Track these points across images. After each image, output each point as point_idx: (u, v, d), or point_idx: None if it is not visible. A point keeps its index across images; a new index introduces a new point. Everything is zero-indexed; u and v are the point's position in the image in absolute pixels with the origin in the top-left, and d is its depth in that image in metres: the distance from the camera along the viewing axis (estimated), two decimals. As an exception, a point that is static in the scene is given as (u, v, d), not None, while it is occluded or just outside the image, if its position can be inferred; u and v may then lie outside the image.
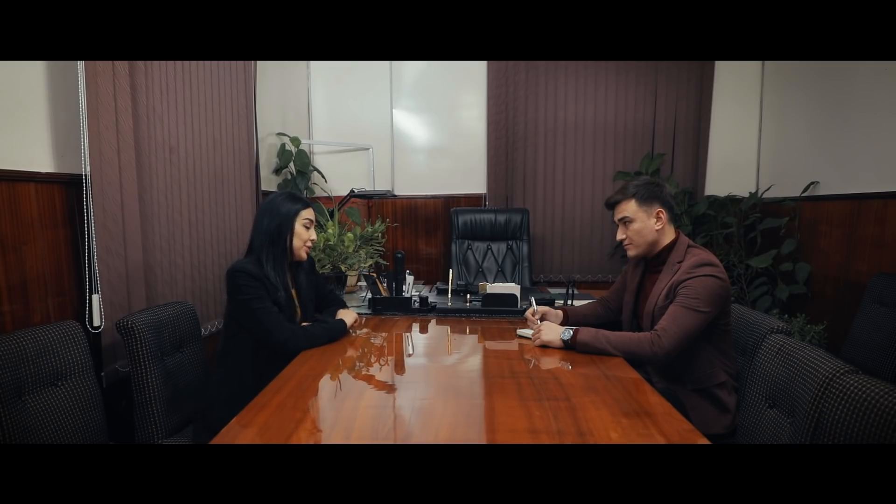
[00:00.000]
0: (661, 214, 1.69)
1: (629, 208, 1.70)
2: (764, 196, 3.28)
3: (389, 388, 1.39)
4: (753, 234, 3.25)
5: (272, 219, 1.71)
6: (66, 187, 1.75)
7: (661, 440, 1.05)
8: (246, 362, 1.65)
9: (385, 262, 2.71)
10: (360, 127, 3.66)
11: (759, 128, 3.52)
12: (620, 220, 1.73)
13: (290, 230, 1.72)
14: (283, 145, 3.26)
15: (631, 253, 1.76)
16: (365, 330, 1.94)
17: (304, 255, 1.78)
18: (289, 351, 1.61)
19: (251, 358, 1.65)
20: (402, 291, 2.18)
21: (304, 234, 1.75)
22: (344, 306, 1.99)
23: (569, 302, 2.21)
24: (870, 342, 2.28)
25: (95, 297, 1.79)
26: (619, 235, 1.76)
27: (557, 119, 3.56)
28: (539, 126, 3.56)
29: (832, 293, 2.82)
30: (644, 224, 1.70)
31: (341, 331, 1.79)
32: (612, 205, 1.76)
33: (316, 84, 3.66)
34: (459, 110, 3.66)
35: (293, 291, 1.80)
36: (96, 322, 1.79)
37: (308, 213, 1.77)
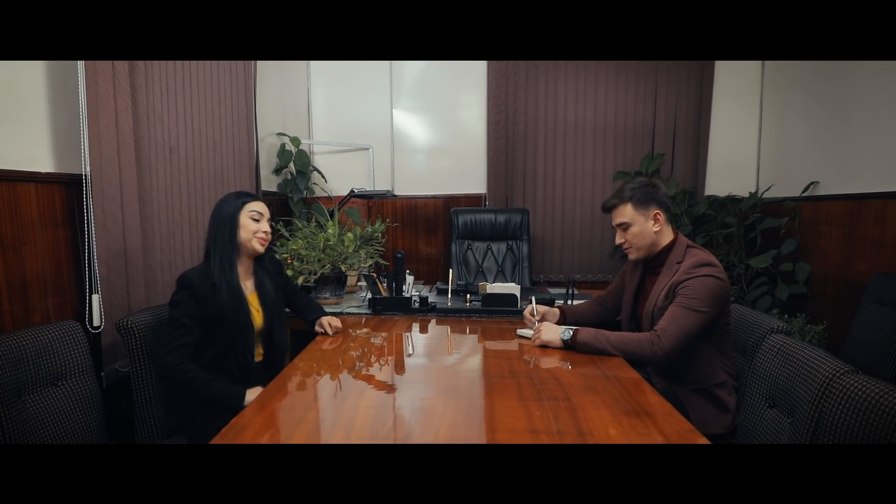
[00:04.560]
0: (658, 216, 1.69)
1: (626, 213, 1.70)
2: (764, 196, 3.28)
3: (389, 388, 1.39)
4: (753, 234, 3.25)
5: (218, 219, 1.67)
6: (66, 187, 1.75)
7: (660, 440, 1.05)
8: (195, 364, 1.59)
9: (385, 262, 2.71)
10: (360, 127, 3.66)
11: (759, 128, 3.52)
12: (618, 224, 1.73)
13: (236, 224, 1.66)
14: (283, 145, 3.26)
15: (632, 256, 1.76)
16: (365, 330, 1.94)
17: (257, 247, 1.68)
18: (159, 370, 1.55)
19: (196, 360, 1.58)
20: (402, 291, 2.18)
21: (251, 226, 1.67)
22: (324, 313, 1.95)
23: (568, 302, 2.21)
24: (870, 342, 2.28)
25: (95, 297, 1.79)
26: (618, 240, 1.75)
27: (557, 119, 3.56)
28: (539, 126, 3.56)
29: (832, 293, 2.82)
30: (642, 227, 1.69)
31: (230, 398, 1.51)
32: (608, 209, 1.75)
33: (316, 84, 3.66)
34: (459, 110, 3.66)
35: (255, 294, 1.72)
36: (96, 322, 1.79)
37: (255, 206, 1.70)
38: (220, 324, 1.58)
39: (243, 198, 1.70)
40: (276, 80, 3.26)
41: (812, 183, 2.96)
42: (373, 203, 3.66)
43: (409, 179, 3.69)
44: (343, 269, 2.52)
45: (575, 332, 1.63)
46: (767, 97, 3.47)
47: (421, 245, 3.72)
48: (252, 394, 1.52)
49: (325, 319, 1.90)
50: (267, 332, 1.72)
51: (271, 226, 1.75)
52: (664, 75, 3.48)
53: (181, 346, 1.52)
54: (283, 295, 1.86)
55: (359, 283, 2.67)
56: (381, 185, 3.64)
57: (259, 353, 1.72)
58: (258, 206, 1.70)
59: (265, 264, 1.79)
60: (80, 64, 1.70)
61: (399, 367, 1.56)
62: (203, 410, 1.54)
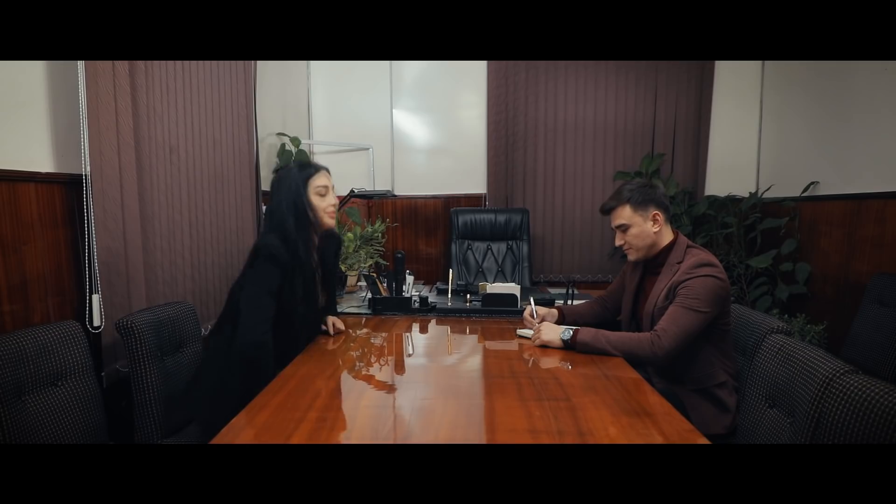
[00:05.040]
0: (657, 217, 1.69)
1: (624, 214, 1.70)
2: (764, 196, 3.28)
3: (389, 388, 1.39)
4: (753, 234, 3.25)
5: (286, 194, 1.64)
6: (66, 187, 1.75)
7: (660, 440, 1.05)
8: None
9: (385, 262, 2.71)
10: (360, 127, 3.66)
11: (759, 128, 3.52)
12: (617, 226, 1.73)
13: (306, 203, 1.64)
14: (283, 145, 3.26)
15: (632, 257, 1.76)
16: (365, 330, 1.94)
17: (328, 222, 1.69)
18: (246, 351, 1.47)
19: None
20: (402, 291, 2.18)
21: (319, 203, 1.66)
22: (335, 312, 1.95)
23: (568, 302, 2.21)
24: (870, 342, 2.28)
25: (95, 297, 1.78)
26: (618, 241, 1.75)
27: (557, 119, 3.56)
28: (539, 126, 3.56)
29: (832, 293, 2.82)
30: (641, 228, 1.69)
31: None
32: (606, 211, 1.75)
33: (316, 84, 3.66)
34: (459, 110, 3.66)
35: (318, 271, 1.72)
36: (96, 322, 1.79)
37: (319, 180, 1.67)
38: (292, 302, 1.56)
39: (306, 171, 1.66)
40: (276, 80, 3.26)
41: (812, 183, 2.96)
42: (373, 203, 3.66)
43: (409, 179, 3.69)
44: (343, 269, 2.53)
45: (575, 332, 1.63)
46: (767, 97, 3.47)
47: (421, 245, 3.72)
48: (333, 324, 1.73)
49: (330, 319, 1.89)
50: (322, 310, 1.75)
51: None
52: (664, 75, 3.48)
53: (268, 320, 1.50)
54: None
55: (359, 283, 2.67)
56: (381, 185, 3.64)
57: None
58: (323, 180, 1.66)
59: (329, 239, 1.77)
60: (80, 64, 1.70)
61: (399, 367, 1.56)
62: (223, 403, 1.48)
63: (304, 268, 1.62)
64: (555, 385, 1.34)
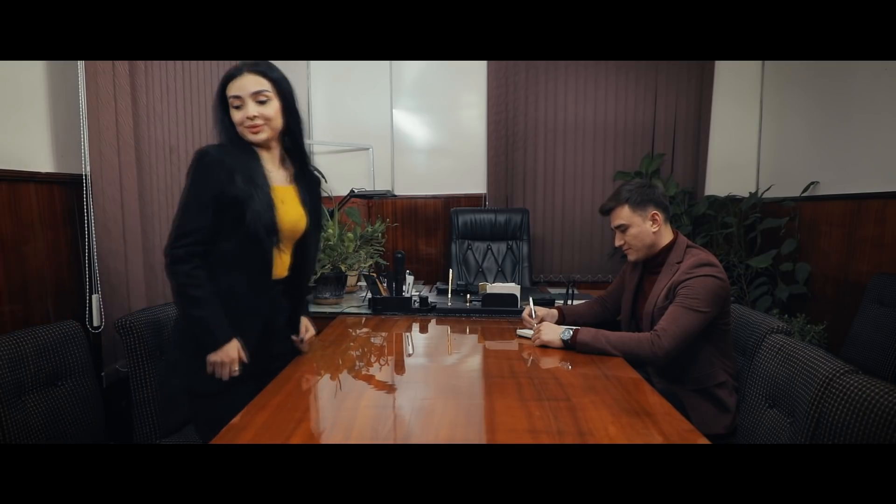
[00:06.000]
0: (656, 217, 1.69)
1: (623, 215, 1.70)
2: (764, 196, 3.28)
3: (389, 388, 1.39)
4: (753, 234, 3.25)
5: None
6: (66, 187, 1.75)
7: (660, 440, 1.05)
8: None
9: (385, 262, 2.71)
10: (360, 127, 3.65)
11: (759, 128, 3.52)
12: (617, 226, 1.73)
13: (225, 108, 1.37)
14: (283, 145, 3.26)
15: (631, 257, 1.76)
16: (365, 330, 1.94)
17: (250, 138, 1.36)
18: (167, 265, 1.29)
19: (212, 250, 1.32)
20: (402, 291, 2.18)
21: (235, 117, 1.35)
22: (307, 314, 1.65)
23: (568, 302, 2.21)
24: (870, 342, 2.28)
25: (95, 297, 1.79)
26: (618, 242, 1.75)
27: (557, 119, 3.55)
28: (539, 126, 3.56)
29: (832, 293, 2.82)
30: (640, 228, 1.69)
31: (210, 334, 1.30)
32: (606, 212, 1.76)
33: (316, 84, 3.66)
34: (459, 110, 3.66)
35: (290, 188, 1.45)
36: (96, 322, 1.79)
37: (234, 89, 1.33)
38: (237, 204, 1.31)
39: (224, 77, 1.35)
40: (276, 80, 3.25)
41: (812, 183, 2.96)
42: (373, 203, 3.66)
43: (409, 179, 3.69)
44: (343, 269, 2.53)
45: (575, 332, 1.63)
46: (767, 97, 3.47)
47: (421, 245, 3.72)
48: (232, 347, 1.31)
49: (304, 322, 1.61)
50: (301, 240, 1.47)
51: (280, 95, 1.37)
52: (664, 75, 3.48)
53: (188, 233, 1.28)
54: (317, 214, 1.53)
55: (359, 283, 2.67)
56: (381, 185, 3.64)
57: (284, 265, 1.46)
58: (237, 89, 1.34)
59: (301, 167, 1.48)
60: (80, 64, 1.70)
61: (399, 367, 1.56)
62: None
63: (242, 166, 1.34)
64: (555, 385, 1.34)
